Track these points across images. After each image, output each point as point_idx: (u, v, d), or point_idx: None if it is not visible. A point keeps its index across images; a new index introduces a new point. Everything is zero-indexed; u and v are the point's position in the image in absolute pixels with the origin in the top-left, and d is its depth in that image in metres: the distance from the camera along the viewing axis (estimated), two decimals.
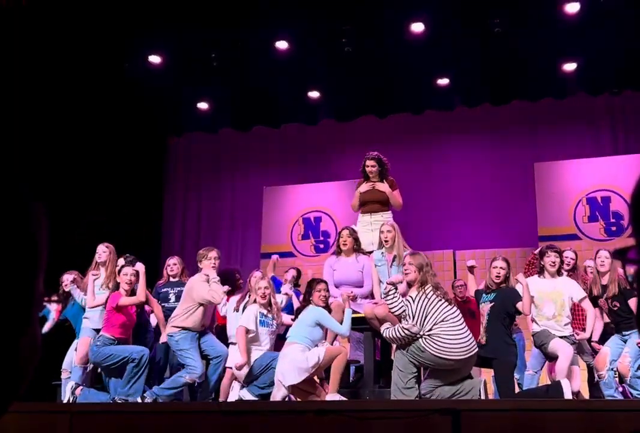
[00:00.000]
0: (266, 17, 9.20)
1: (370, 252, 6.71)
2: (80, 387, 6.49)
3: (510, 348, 6.00)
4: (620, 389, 6.40)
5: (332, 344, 6.17)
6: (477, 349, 5.51)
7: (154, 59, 10.17)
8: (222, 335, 6.72)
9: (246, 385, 6.23)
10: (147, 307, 7.06)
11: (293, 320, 6.22)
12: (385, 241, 6.40)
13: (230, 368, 6.35)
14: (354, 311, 6.16)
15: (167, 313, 6.89)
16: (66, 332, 7.39)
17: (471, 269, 6.68)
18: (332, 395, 5.58)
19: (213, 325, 6.92)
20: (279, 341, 6.59)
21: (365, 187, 7.02)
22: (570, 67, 9.64)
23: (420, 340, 5.35)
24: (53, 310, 7.64)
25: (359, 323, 6.15)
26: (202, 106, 11.02)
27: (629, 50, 9.06)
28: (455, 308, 5.55)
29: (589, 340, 6.74)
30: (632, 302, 6.24)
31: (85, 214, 9.98)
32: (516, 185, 10.54)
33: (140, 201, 11.21)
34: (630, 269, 0.88)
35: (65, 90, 9.70)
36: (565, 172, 10.17)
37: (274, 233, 11.01)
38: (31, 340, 0.83)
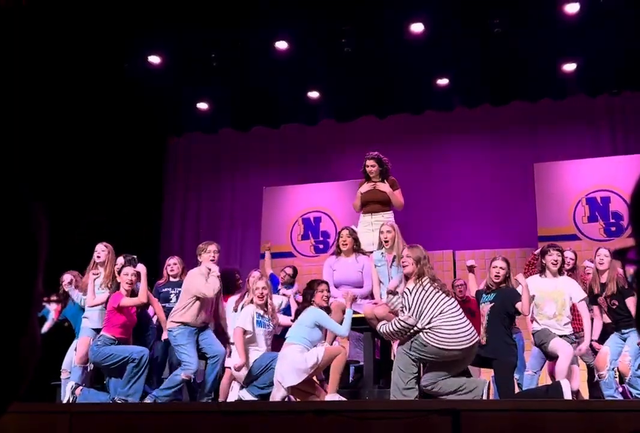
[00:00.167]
0: (266, 17, 9.20)
1: (371, 252, 6.71)
2: (80, 387, 6.49)
3: (511, 348, 6.00)
4: (620, 389, 6.40)
5: (331, 344, 6.17)
6: (478, 337, 5.48)
7: (154, 59, 10.18)
8: (223, 335, 6.72)
9: (245, 386, 6.23)
10: (150, 309, 7.07)
11: (293, 320, 6.22)
12: (385, 242, 6.40)
13: (230, 368, 6.35)
14: (354, 312, 6.16)
15: (168, 313, 6.90)
16: (66, 332, 7.39)
17: (471, 268, 6.67)
18: (331, 396, 5.58)
19: (217, 322, 6.88)
20: (277, 341, 6.60)
21: (366, 187, 7.03)
22: (570, 67, 9.64)
23: (421, 335, 5.30)
24: (52, 310, 7.64)
25: (358, 324, 6.15)
26: (202, 106, 11.02)
27: (629, 51, 9.06)
28: (453, 299, 5.53)
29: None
30: (630, 301, 6.25)
31: (85, 214, 9.97)
32: (516, 185, 10.54)
33: (140, 201, 11.21)
34: (630, 270, 0.88)
35: (65, 90, 9.70)
36: (565, 172, 10.17)
37: (274, 233, 11.00)
38: (31, 340, 0.83)
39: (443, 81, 10.08)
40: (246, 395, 6.12)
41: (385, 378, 6.27)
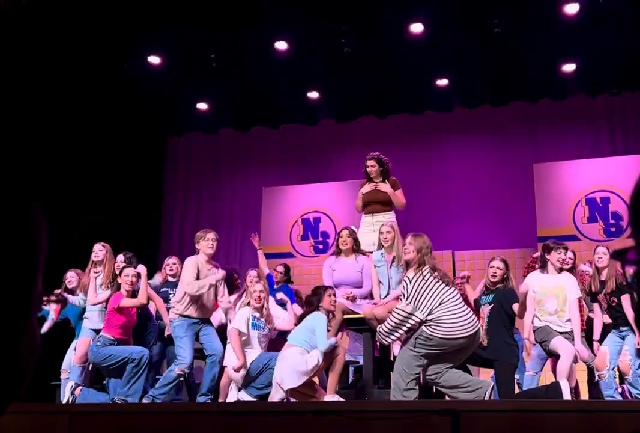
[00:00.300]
0: (266, 17, 9.20)
1: (371, 253, 6.71)
2: (80, 387, 6.49)
3: (512, 348, 6.00)
4: (620, 390, 6.41)
5: (335, 335, 6.13)
6: (479, 323, 5.44)
7: (154, 59, 10.18)
8: (224, 334, 6.72)
9: (244, 387, 6.21)
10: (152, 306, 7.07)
11: (296, 324, 6.21)
12: (385, 241, 6.40)
13: (227, 367, 6.34)
14: (353, 312, 6.17)
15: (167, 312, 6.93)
16: (66, 332, 7.39)
17: (467, 279, 6.69)
18: (330, 396, 5.58)
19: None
20: (278, 340, 6.61)
21: (367, 188, 7.05)
22: (569, 67, 9.65)
23: (424, 329, 5.24)
24: (52, 309, 7.64)
25: (358, 324, 6.16)
26: (202, 106, 11.02)
27: (629, 51, 9.06)
28: (453, 288, 5.45)
29: (590, 340, 6.75)
30: (625, 298, 6.26)
31: (85, 214, 9.97)
32: (516, 186, 10.54)
33: (140, 201, 11.21)
34: (630, 270, 0.88)
35: (65, 90, 9.70)
36: (565, 173, 10.17)
37: (273, 234, 11.00)
38: (31, 339, 0.83)
39: (443, 81, 10.09)
40: (244, 396, 6.11)
41: (384, 379, 6.27)
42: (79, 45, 9.46)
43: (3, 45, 8.26)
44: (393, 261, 6.37)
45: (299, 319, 6.16)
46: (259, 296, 6.33)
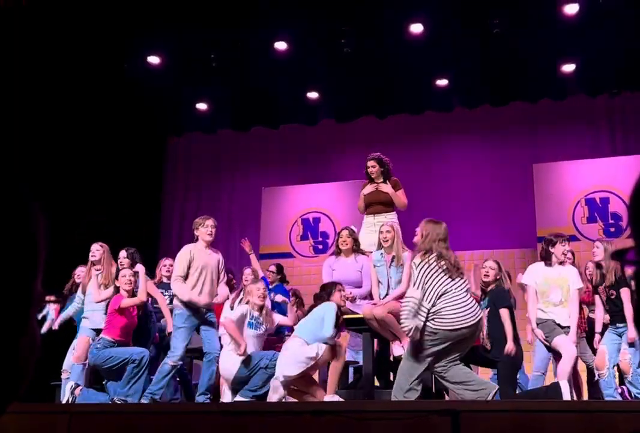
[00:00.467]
0: (266, 17, 9.20)
1: (371, 253, 6.71)
2: (80, 387, 6.48)
3: (515, 349, 6.01)
4: (619, 390, 6.41)
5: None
6: (481, 312, 5.36)
7: (154, 59, 10.18)
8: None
9: (237, 388, 6.19)
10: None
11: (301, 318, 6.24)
12: (385, 241, 6.39)
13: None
14: (353, 312, 6.17)
15: (161, 315, 6.94)
16: (66, 332, 7.39)
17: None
18: (330, 397, 5.58)
19: None
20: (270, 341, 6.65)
21: (368, 189, 7.07)
22: (569, 67, 9.65)
23: (428, 324, 5.20)
24: (52, 309, 7.64)
25: (357, 324, 6.16)
26: (202, 106, 11.03)
27: (629, 51, 9.07)
28: (459, 278, 5.28)
29: (590, 341, 6.76)
30: (624, 292, 6.29)
31: (85, 214, 9.97)
32: (515, 186, 10.54)
33: (140, 201, 11.21)
34: (629, 270, 0.88)
35: (65, 90, 9.70)
36: (564, 173, 10.17)
37: (273, 234, 11.00)
38: (31, 340, 0.83)
39: (443, 81, 10.09)
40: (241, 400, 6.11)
41: (384, 379, 6.27)
42: (79, 45, 9.47)
43: (3, 45, 8.26)
44: (392, 261, 6.36)
45: (307, 311, 6.13)
46: (264, 294, 6.34)
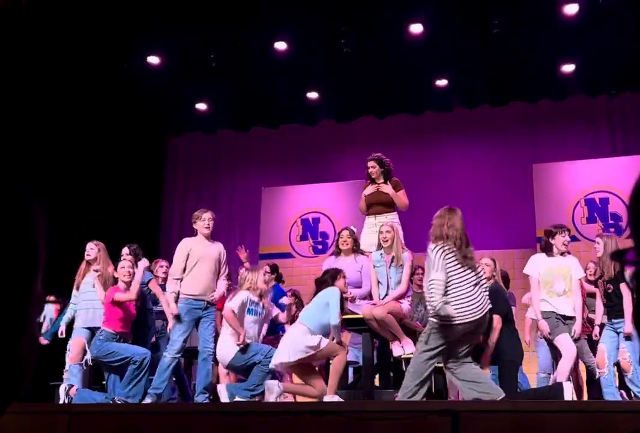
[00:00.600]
0: (266, 17, 9.20)
1: (371, 253, 6.72)
2: (75, 387, 6.46)
3: (516, 348, 6.02)
4: (619, 393, 6.43)
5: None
6: (489, 306, 5.28)
7: (154, 59, 10.18)
8: None
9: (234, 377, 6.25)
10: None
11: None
12: (384, 241, 6.39)
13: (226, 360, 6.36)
14: (353, 312, 6.16)
15: (158, 315, 6.93)
16: (66, 332, 7.37)
17: None
18: (330, 397, 5.57)
19: None
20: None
21: (369, 189, 7.06)
22: (569, 67, 9.65)
23: (433, 320, 5.16)
24: (52, 309, 7.63)
25: (357, 324, 6.15)
26: (202, 106, 11.03)
27: (629, 51, 9.07)
28: (469, 270, 5.24)
29: (591, 342, 6.77)
30: (624, 286, 6.30)
31: (85, 214, 9.97)
32: (515, 186, 10.54)
33: (140, 201, 11.21)
34: (629, 271, 0.88)
35: (65, 90, 9.70)
36: (564, 173, 10.17)
37: (273, 234, 11.00)
38: (31, 340, 0.83)
39: (443, 82, 10.09)
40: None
41: (384, 379, 6.27)
42: (79, 45, 9.47)
43: (3, 45, 8.26)
44: (392, 262, 6.36)
45: (312, 296, 6.11)
46: (269, 278, 6.37)
